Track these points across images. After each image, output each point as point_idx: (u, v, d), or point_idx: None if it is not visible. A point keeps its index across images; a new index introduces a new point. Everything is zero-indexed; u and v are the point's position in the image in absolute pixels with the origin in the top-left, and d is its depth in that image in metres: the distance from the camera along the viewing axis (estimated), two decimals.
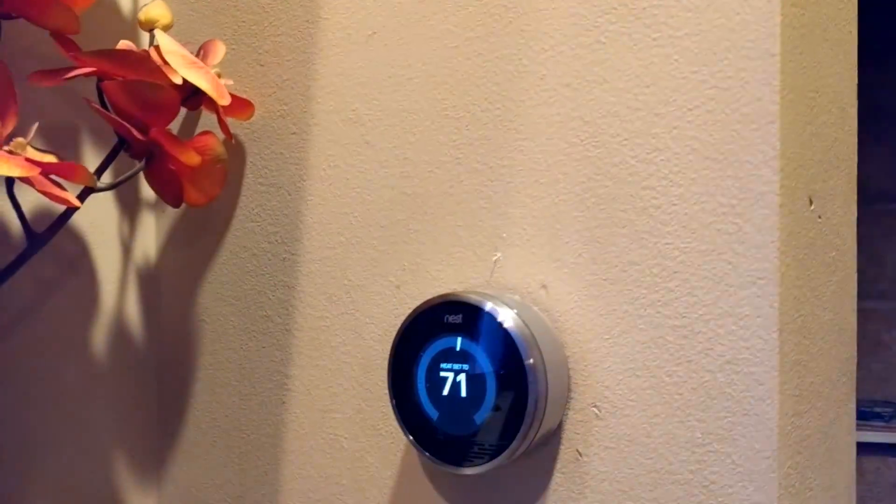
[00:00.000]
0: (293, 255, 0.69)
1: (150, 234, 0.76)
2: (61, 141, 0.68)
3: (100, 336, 0.72)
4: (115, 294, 0.73)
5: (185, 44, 0.64)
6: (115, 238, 0.73)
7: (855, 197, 0.66)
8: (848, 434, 0.66)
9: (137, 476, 0.75)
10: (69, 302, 0.70)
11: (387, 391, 0.64)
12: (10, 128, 0.55)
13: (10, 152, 0.54)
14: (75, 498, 0.71)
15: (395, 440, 0.64)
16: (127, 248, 0.74)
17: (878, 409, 2.17)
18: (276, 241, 0.70)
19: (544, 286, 0.58)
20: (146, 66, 0.59)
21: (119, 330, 0.74)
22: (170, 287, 0.76)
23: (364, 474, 0.65)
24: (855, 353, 0.67)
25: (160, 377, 0.77)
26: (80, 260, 0.71)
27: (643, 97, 0.55)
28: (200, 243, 0.74)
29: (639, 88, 0.55)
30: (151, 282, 0.76)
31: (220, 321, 0.73)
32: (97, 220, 0.72)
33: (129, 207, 0.74)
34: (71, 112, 0.69)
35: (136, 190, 0.75)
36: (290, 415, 0.69)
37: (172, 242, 0.76)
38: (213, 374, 0.73)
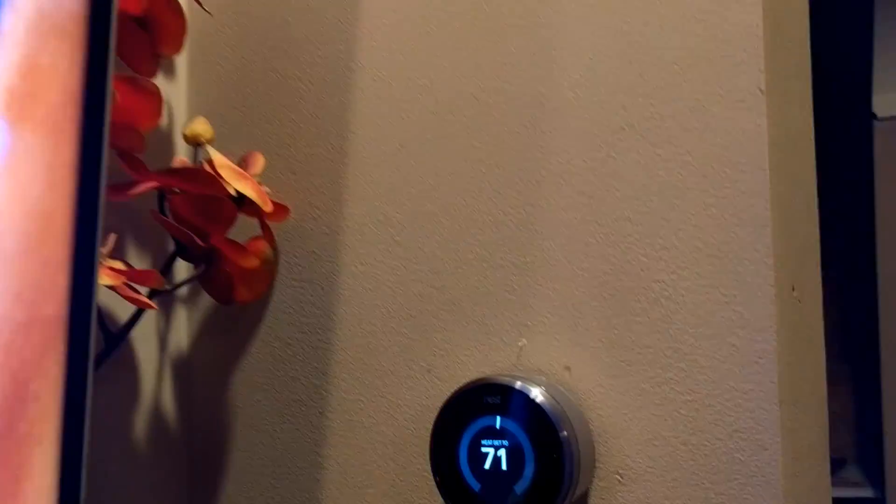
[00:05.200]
0: (325, 343, 0.75)
1: (183, 328, 0.81)
2: (116, 249, 0.74)
3: (140, 426, 0.77)
4: (153, 385, 0.78)
5: (225, 155, 0.71)
6: (153, 332, 0.79)
7: (820, 282, 0.76)
8: (828, 491, 0.74)
9: None
10: (113, 394, 0.75)
11: (420, 467, 0.70)
12: None
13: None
14: None
15: None
16: (163, 342, 0.80)
17: None
18: (309, 330, 0.76)
19: (567, 368, 0.66)
20: (208, 181, 0.65)
21: (156, 419, 0.78)
22: (202, 376, 0.81)
23: None
24: (827, 421, 0.76)
25: (193, 463, 0.81)
26: (123, 355, 0.76)
27: (651, 204, 0.64)
28: (232, 335, 0.79)
29: (647, 196, 0.64)
30: (184, 372, 0.81)
31: (253, 407, 0.78)
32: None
33: (165, 305, 0.80)
34: (121, 222, 0.75)
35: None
36: (324, 492, 0.75)
37: (204, 335, 0.81)
38: (246, 458, 0.78)
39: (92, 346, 0.42)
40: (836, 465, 2.23)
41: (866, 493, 1.95)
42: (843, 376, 2.01)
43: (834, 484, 0.78)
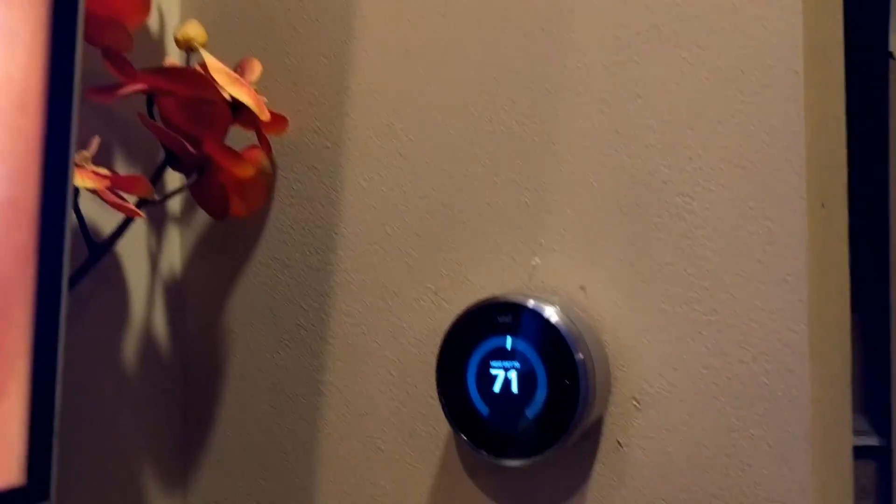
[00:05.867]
0: (327, 265, 0.71)
1: (175, 248, 0.77)
2: (101, 157, 0.69)
3: (130, 346, 0.73)
4: (144, 305, 0.75)
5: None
6: (143, 251, 0.75)
7: (846, 203, 0.72)
8: (849, 424, 0.71)
9: (164, 484, 0.76)
10: (102, 313, 0.71)
11: (425, 393, 0.67)
12: None
13: (77, 165, 0.56)
14: (104, 501, 0.72)
15: (433, 440, 0.67)
16: (154, 262, 0.76)
17: None
18: (309, 251, 0.72)
19: (583, 288, 0.62)
20: (200, 82, 0.61)
21: (147, 340, 0.75)
22: (196, 298, 0.77)
23: (403, 475, 0.68)
24: (850, 348, 0.73)
25: (187, 387, 0.78)
26: (112, 273, 0.72)
27: (675, 112, 0.59)
28: (227, 256, 0.76)
29: (671, 102, 0.60)
30: (177, 293, 0.77)
31: (250, 331, 0.75)
32: (127, 234, 0.73)
33: (156, 221, 0.76)
34: (107, 129, 0.70)
35: (162, 205, 0.76)
36: (325, 420, 0.71)
37: (197, 255, 0.77)
38: (243, 384, 0.75)
39: (67, 234, 0.38)
40: None
41: (872, 441, 1.94)
42: (851, 326, 1.98)
43: None
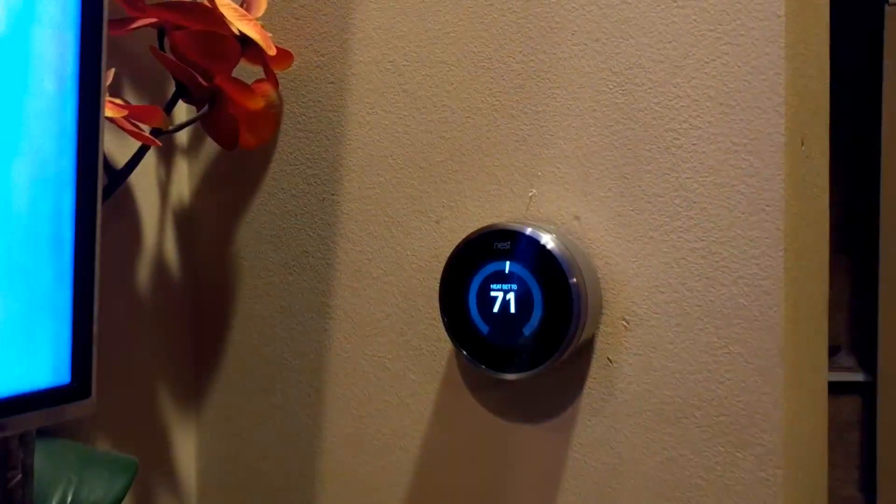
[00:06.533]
0: (332, 195, 0.75)
1: (185, 179, 0.81)
2: (112, 90, 0.72)
3: (143, 271, 0.77)
4: (155, 233, 0.78)
5: None
6: (154, 183, 0.78)
7: (828, 142, 0.77)
8: (824, 348, 0.77)
9: (178, 399, 0.81)
10: (117, 240, 0.75)
11: (428, 315, 0.72)
12: None
13: None
14: (120, 420, 0.76)
15: (436, 358, 0.72)
16: (164, 192, 0.79)
17: None
18: (316, 182, 0.76)
19: (577, 217, 0.67)
20: (211, 17, 0.64)
21: (159, 266, 0.79)
22: (205, 227, 0.81)
23: (407, 390, 0.73)
24: (828, 280, 0.78)
25: (198, 311, 0.82)
26: (124, 202, 0.75)
27: (665, 51, 0.63)
28: (235, 187, 0.79)
29: (661, 44, 0.63)
30: (187, 222, 0.81)
31: (259, 258, 0.79)
32: (138, 166, 0.76)
33: (166, 154, 0.79)
34: (117, 63, 0.73)
35: (170, 137, 0.79)
36: (332, 341, 0.76)
37: (206, 186, 0.81)
38: (252, 307, 0.79)
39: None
40: (831, 351, 2.29)
41: (858, 377, 2.04)
42: (841, 267, 2.05)
43: (828, 369, 0.81)
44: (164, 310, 0.80)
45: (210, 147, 0.80)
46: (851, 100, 1.92)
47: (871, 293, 1.92)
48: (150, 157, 0.77)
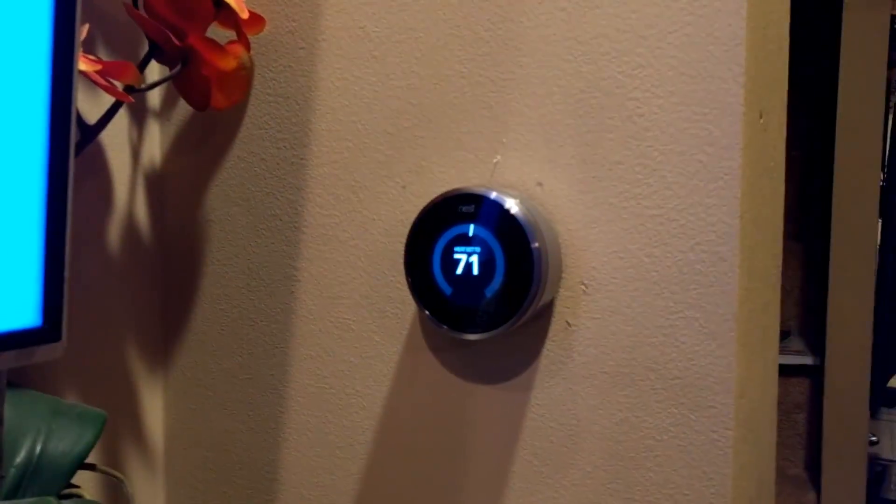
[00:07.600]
0: (301, 159, 0.76)
1: (156, 141, 0.81)
2: (85, 47, 0.72)
3: (114, 230, 0.78)
4: (126, 193, 0.79)
5: None
6: (125, 143, 0.79)
7: (785, 119, 0.78)
8: (776, 320, 0.79)
9: (146, 359, 0.82)
10: (88, 197, 0.75)
11: (393, 279, 0.73)
12: None
13: None
14: (89, 375, 0.77)
15: (399, 320, 0.73)
16: (136, 153, 0.80)
17: None
18: (285, 146, 0.77)
19: (540, 184, 0.68)
20: None
21: (130, 225, 0.79)
22: (175, 188, 0.82)
23: (371, 351, 0.74)
24: (781, 253, 0.80)
25: (168, 271, 0.83)
26: (96, 161, 0.76)
27: (630, 21, 0.64)
28: (206, 149, 0.80)
29: (626, 13, 0.65)
30: (157, 183, 0.81)
31: (228, 220, 0.79)
32: (109, 126, 0.76)
33: (137, 114, 0.79)
34: (90, 21, 0.73)
35: (142, 98, 0.80)
36: (298, 303, 0.77)
37: (177, 148, 0.81)
38: (220, 269, 0.80)
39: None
40: (782, 335, 2.33)
41: (807, 360, 2.08)
42: (793, 254, 2.09)
43: (779, 352, 0.83)
44: (133, 268, 0.80)
45: (182, 110, 0.80)
46: (807, 94, 1.97)
47: (822, 280, 1.97)
48: (123, 119, 0.78)
